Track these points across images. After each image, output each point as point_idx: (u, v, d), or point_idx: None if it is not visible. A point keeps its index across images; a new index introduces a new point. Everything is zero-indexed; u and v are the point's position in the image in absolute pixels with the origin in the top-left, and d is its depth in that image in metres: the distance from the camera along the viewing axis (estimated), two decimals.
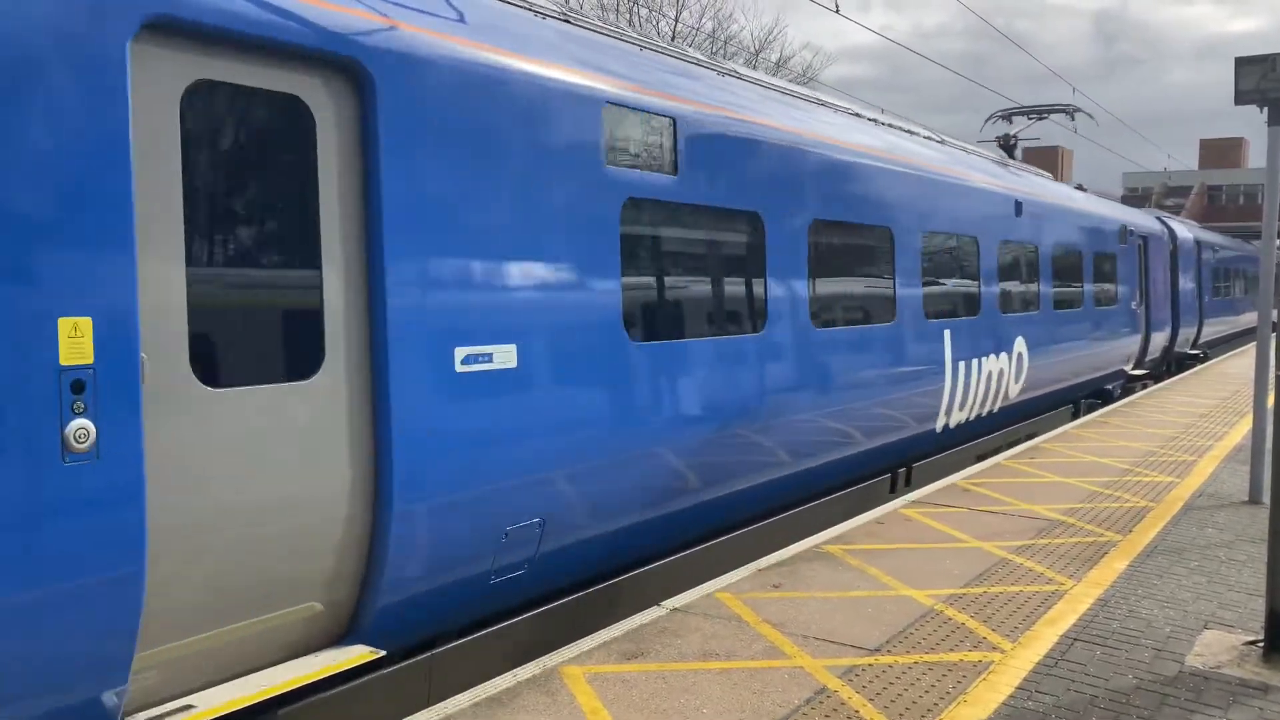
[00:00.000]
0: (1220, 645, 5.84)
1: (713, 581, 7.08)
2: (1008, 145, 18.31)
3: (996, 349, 12.59)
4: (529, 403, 5.83)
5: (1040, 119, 18.78)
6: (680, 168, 7.14)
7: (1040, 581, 7.03)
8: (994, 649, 5.77)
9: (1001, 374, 12.79)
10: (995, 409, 12.92)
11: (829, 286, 9.05)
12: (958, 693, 5.17)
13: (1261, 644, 5.74)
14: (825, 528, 9.07)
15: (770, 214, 8.14)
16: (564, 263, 6.12)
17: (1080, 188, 20.26)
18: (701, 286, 7.50)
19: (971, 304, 12.05)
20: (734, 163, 7.74)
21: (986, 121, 18.69)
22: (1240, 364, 24.89)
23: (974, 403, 12.08)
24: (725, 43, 37.47)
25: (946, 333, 11.25)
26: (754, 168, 7.98)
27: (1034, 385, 14.15)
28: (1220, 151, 78.28)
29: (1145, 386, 21.10)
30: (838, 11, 13.62)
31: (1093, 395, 18.21)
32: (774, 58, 39.12)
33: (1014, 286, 13.44)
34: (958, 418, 11.73)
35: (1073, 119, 18.76)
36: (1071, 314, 15.78)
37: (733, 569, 7.92)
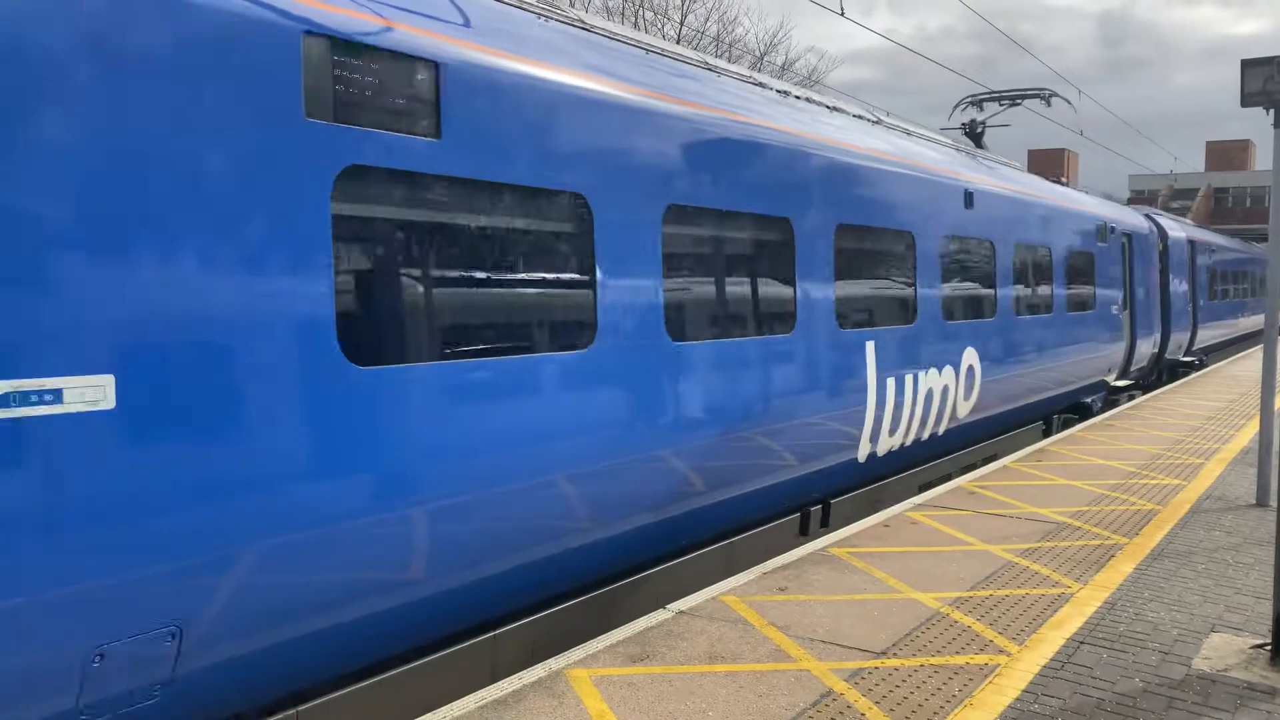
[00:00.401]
0: (1227, 648, 5.82)
1: (718, 584, 7.08)
2: (974, 133, 16.78)
3: (938, 362, 10.88)
4: (137, 463, 4.05)
5: (1014, 105, 17.02)
6: (446, 129, 5.37)
7: (1047, 585, 7.02)
8: (1000, 652, 5.76)
9: (946, 391, 11.11)
10: (940, 431, 11.23)
11: (701, 290, 7.38)
12: (964, 696, 5.17)
13: (1269, 647, 5.72)
14: (707, 584, 7.70)
15: (600, 197, 6.38)
16: (216, 252, 4.33)
17: (1060, 181, 18.75)
18: (486, 290, 5.72)
19: (904, 310, 10.30)
20: (545, 129, 6.01)
21: (956, 108, 17.01)
22: (1247, 366, 24.82)
23: (910, 425, 10.43)
24: (730, 46, 37.50)
25: (869, 345, 9.46)
26: (576, 135, 6.22)
27: (990, 403, 12.48)
28: (1227, 154, 78.09)
29: (1132, 398, 19.91)
30: (842, 14, 13.63)
31: (1069, 410, 16.65)
32: (779, 61, 39.13)
33: (962, 289, 11.71)
34: (888, 444, 10.04)
35: (1048, 104, 16.95)
36: (1038, 320, 14.05)
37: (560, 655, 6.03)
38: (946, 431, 11.39)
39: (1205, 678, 5.41)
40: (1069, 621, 6.27)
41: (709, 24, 38.55)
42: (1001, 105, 16.90)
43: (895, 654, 5.73)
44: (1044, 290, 14.35)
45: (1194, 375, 22.75)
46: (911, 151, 11.00)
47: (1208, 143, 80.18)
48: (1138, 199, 49.31)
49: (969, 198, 11.72)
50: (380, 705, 5.40)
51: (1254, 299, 37.73)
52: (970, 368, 11.70)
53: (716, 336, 7.43)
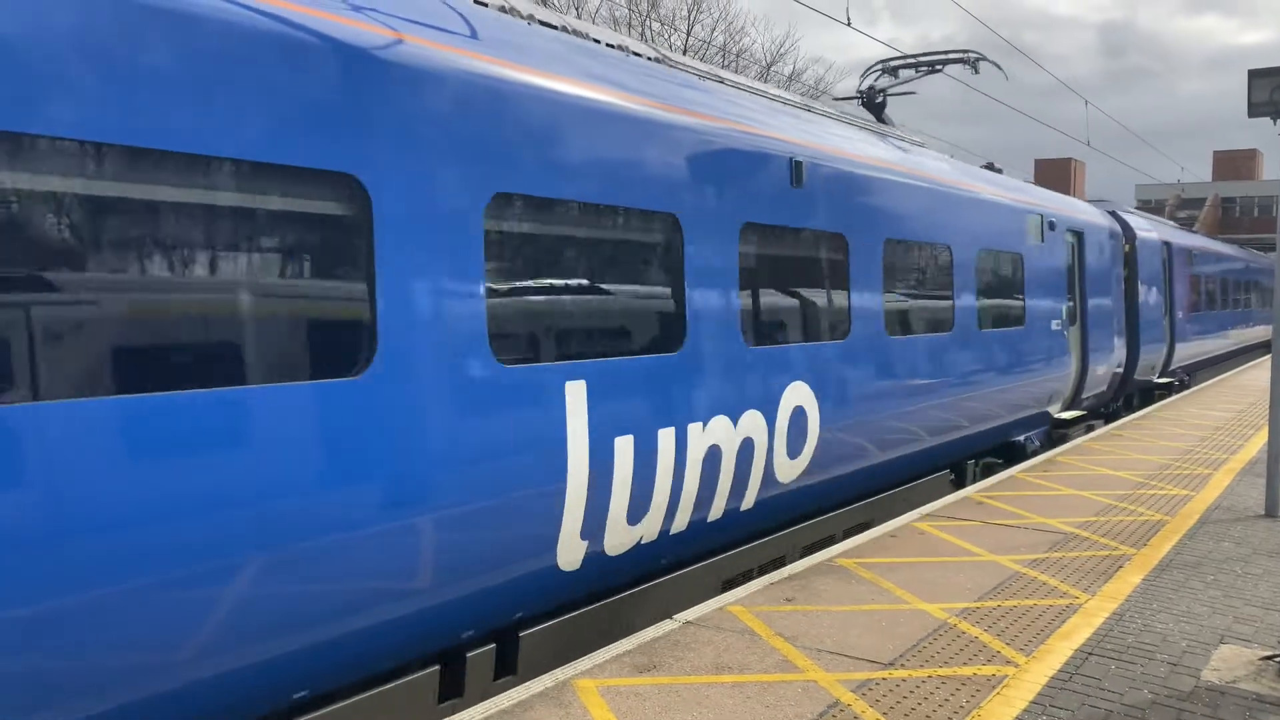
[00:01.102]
0: (1237, 660, 5.80)
1: (725, 595, 7.07)
2: (874, 103, 13.43)
3: (732, 407, 7.48)
4: None
5: (933, 71, 13.84)
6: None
7: (1055, 595, 7.00)
8: (1008, 663, 5.75)
9: (751, 448, 7.70)
10: (746, 505, 7.85)
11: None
12: (972, 707, 5.15)
13: (1278, 659, 5.70)
14: None
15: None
16: None
17: (991, 166, 15.58)
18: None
19: (657, 333, 6.97)
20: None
21: (865, 75, 13.94)
22: (1256, 376, 24.75)
23: (676, 504, 7.04)
24: (737, 56, 37.59)
25: (572, 390, 6.07)
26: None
27: (837, 457, 8.90)
28: (1234, 163, 78.01)
29: (1091, 428, 16.47)
30: (849, 24, 13.67)
31: (993, 452, 13.17)
32: (787, 71, 39.21)
33: (782, 301, 8.43)
34: (626, 536, 6.67)
35: (976, 71, 13.88)
36: (926, 342, 10.40)
37: None
38: (760, 504, 7.99)
39: (1214, 689, 5.39)
40: (1077, 632, 6.25)
41: (715, 34, 38.63)
42: (919, 72, 13.95)
43: (903, 665, 5.72)
44: (939, 301, 10.85)
45: (1174, 398, 20.12)
46: (686, 95, 7.48)
47: (1215, 152, 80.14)
48: (1145, 208, 49.13)
49: (796, 171, 8.31)
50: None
51: (1254, 310, 34.38)
52: (799, 410, 8.23)
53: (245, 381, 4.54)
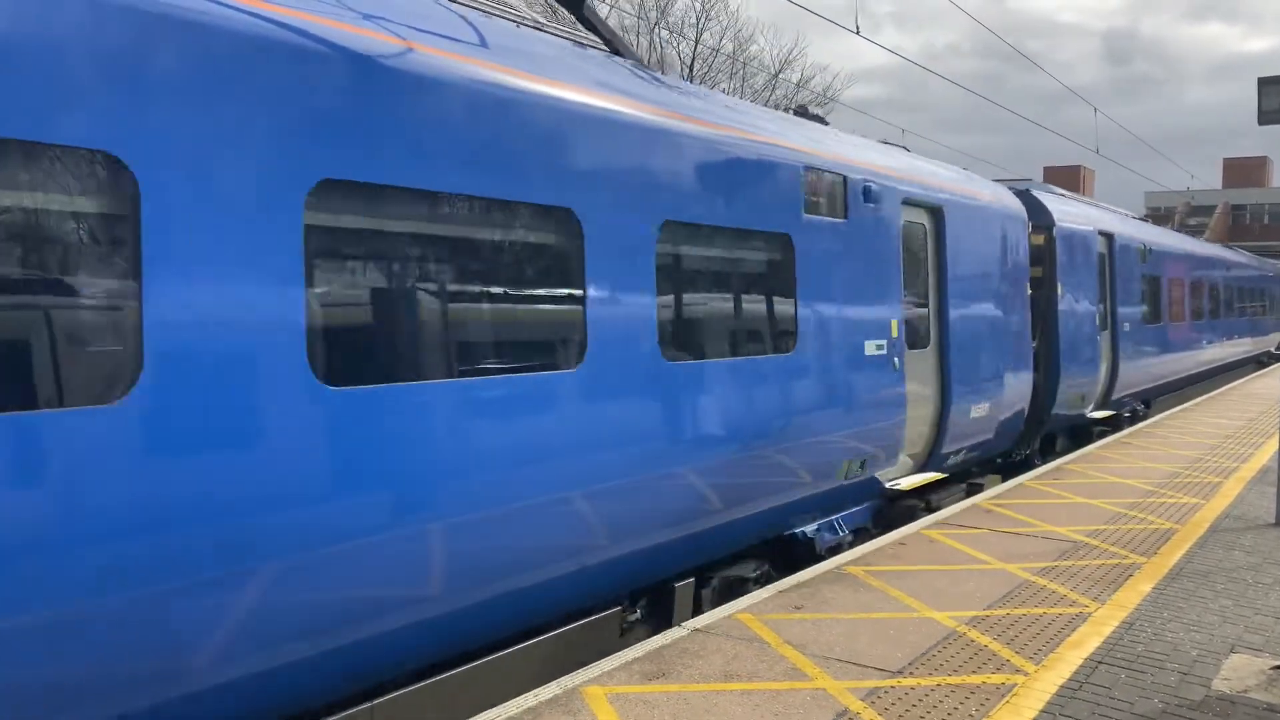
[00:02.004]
0: (1247, 669, 5.78)
1: (734, 602, 7.07)
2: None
3: None
4: None
5: None
6: None
7: (1064, 604, 6.98)
8: (1017, 671, 5.74)
9: None
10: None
11: None
12: (981, 716, 5.14)
13: None
14: None
15: None
16: None
17: (807, 113, 11.03)
18: None
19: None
20: None
21: None
22: (1267, 384, 24.64)
23: None
24: (745, 64, 37.63)
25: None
26: None
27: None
28: (1244, 171, 77.82)
29: (973, 491, 11.81)
30: (858, 32, 13.69)
31: (760, 553, 8.53)
32: (795, 78, 39.23)
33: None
34: None
35: None
36: (519, 389, 5.89)
37: None
38: None
39: (1225, 699, 5.37)
40: (1087, 641, 6.23)
41: (724, 41, 38.67)
42: None
43: (912, 673, 5.71)
44: (535, 312, 6.07)
45: (1124, 433, 15.79)
46: None
47: (1225, 159, 80.00)
48: (1154, 215, 48.90)
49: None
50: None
51: (1242, 320, 29.32)
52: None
53: None
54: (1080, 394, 15.09)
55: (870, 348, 9.21)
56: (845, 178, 8.98)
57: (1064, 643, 6.20)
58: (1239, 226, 71.17)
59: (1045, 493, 10.91)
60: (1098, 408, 16.42)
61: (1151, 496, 10.65)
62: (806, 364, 8.31)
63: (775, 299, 8.08)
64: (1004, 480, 12.12)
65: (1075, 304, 14.78)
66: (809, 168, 8.48)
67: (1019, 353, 12.42)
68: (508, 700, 5.55)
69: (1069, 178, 63.77)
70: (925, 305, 10.54)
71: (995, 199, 12.18)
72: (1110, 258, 16.78)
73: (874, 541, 8.83)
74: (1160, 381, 20.07)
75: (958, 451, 11.19)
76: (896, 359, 9.62)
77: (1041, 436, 14.42)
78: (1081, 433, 15.91)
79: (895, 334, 9.63)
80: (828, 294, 8.65)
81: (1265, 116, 9.14)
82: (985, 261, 11.64)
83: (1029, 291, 12.86)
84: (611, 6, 33.63)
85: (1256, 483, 11.42)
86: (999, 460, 13.37)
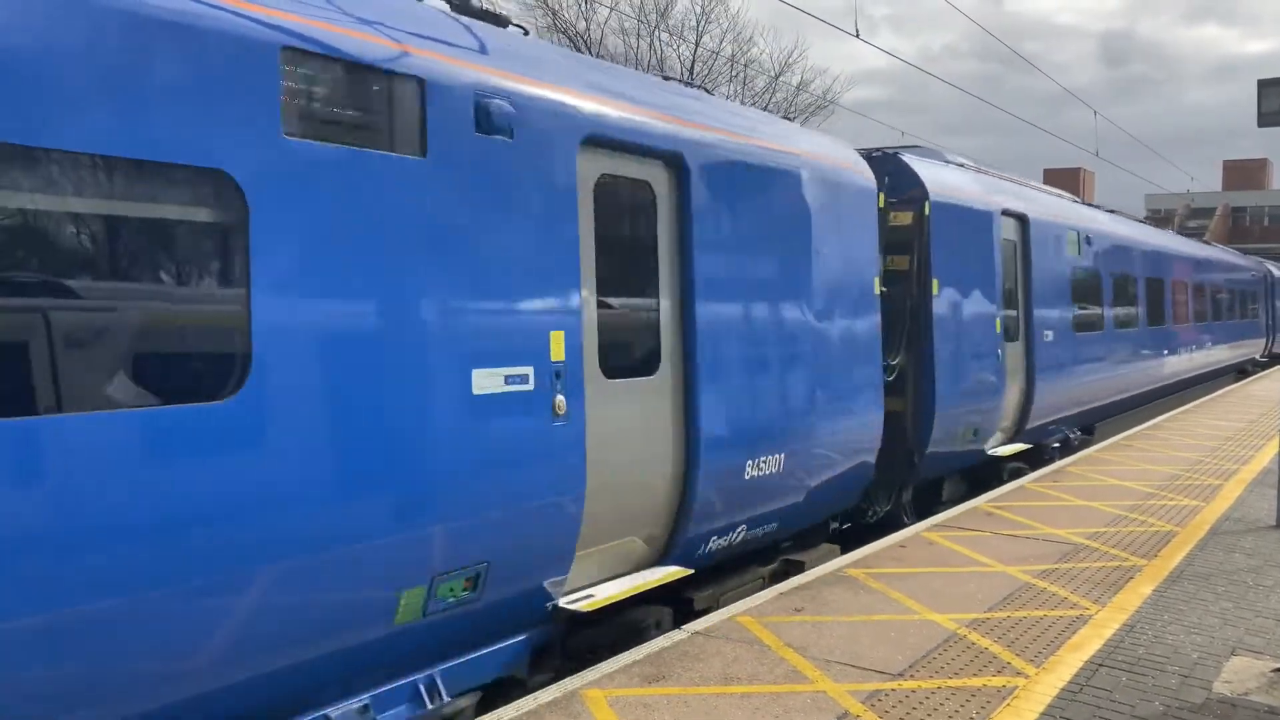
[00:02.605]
0: (1248, 672, 5.77)
1: (734, 605, 7.07)
2: None
3: None
4: None
5: None
6: None
7: (1065, 606, 6.98)
8: (1018, 674, 5.73)
9: None
10: None
11: None
12: (981, 718, 5.14)
13: None
14: None
15: None
16: None
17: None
18: None
19: None
20: None
21: None
22: (1267, 387, 24.63)
23: None
24: (745, 66, 37.64)
25: None
26: None
27: None
28: (1244, 173, 77.91)
29: (775, 581, 8.18)
30: (857, 35, 13.70)
31: None
32: (795, 81, 39.25)
33: None
34: None
35: None
36: None
37: None
38: None
39: (1226, 701, 5.36)
40: (1087, 644, 6.23)
41: (724, 44, 38.68)
42: None
43: (913, 675, 5.71)
44: None
45: (1066, 462, 13.32)
46: None
47: (1225, 162, 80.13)
48: (1154, 218, 48.82)
49: None
50: None
51: (1219, 324, 25.44)
52: None
53: None
54: (972, 425, 11.37)
55: (486, 380, 5.40)
56: (423, 82, 5.14)
57: (1064, 645, 6.19)
58: (1239, 229, 71.22)
59: (1045, 495, 10.91)
60: (1009, 439, 12.79)
61: (1152, 499, 10.65)
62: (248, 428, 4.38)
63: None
64: (843, 552, 8.92)
65: (961, 305, 11.13)
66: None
67: (854, 374, 8.79)
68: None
69: (1069, 180, 63.79)
70: (655, 309, 6.74)
71: (811, 154, 8.40)
72: (1024, 247, 13.04)
73: (874, 544, 8.82)
74: (1103, 402, 16.20)
75: (723, 533, 7.34)
76: (560, 400, 5.73)
77: (915, 485, 10.93)
78: (984, 475, 12.32)
79: (559, 355, 5.77)
80: (305, 287, 4.59)
81: (1265, 119, 9.13)
82: (775, 243, 7.75)
83: (878, 289, 9.32)
84: (611, 9, 33.69)
85: (1257, 485, 11.41)
86: (840, 525, 9.92)
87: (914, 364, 10.55)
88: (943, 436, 10.74)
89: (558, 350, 5.75)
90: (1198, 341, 22.90)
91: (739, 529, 7.56)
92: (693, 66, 36.70)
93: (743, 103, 36.92)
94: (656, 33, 36.03)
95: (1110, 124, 30.29)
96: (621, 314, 6.54)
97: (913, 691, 5.48)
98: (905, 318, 10.50)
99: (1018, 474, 12.72)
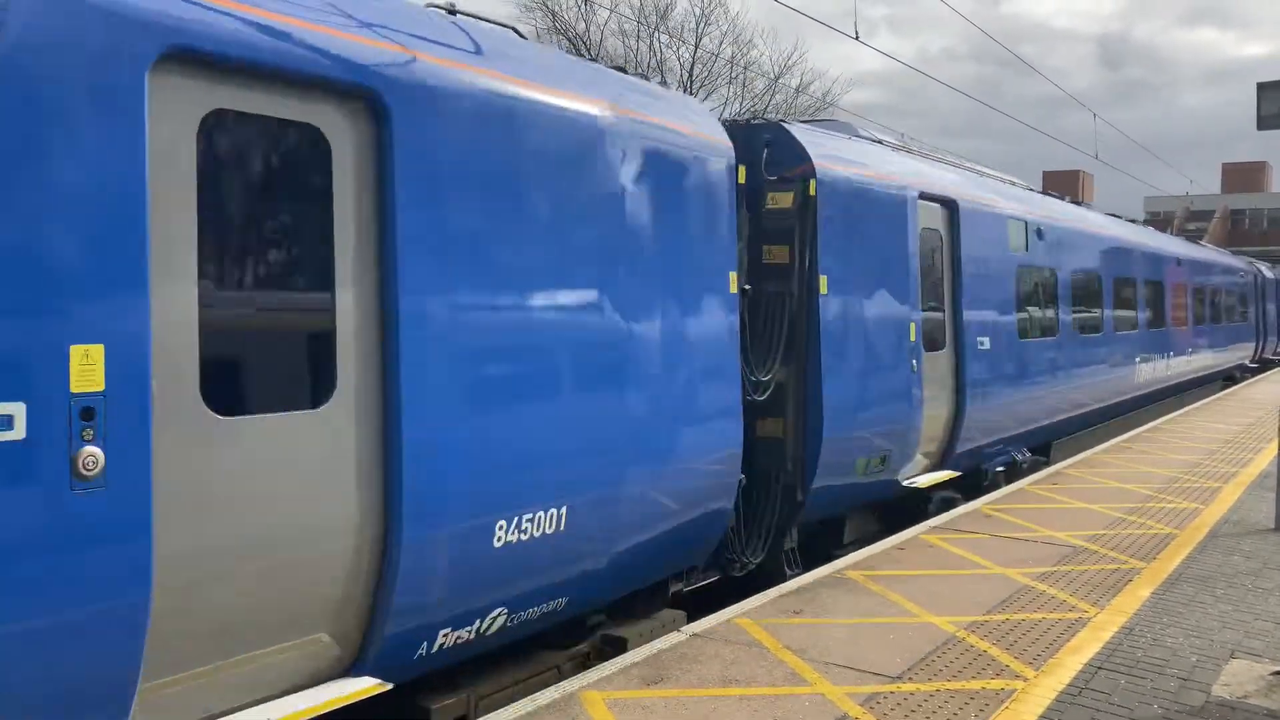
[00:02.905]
0: (1247, 675, 5.76)
1: (733, 607, 7.06)
2: None
3: None
4: None
5: None
6: None
7: (1063, 609, 6.97)
8: (1017, 677, 5.72)
9: None
10: None
11: None
12: None
13: None
14: None
15: None
16: None
17: None
18: None
19: None
20: None
21: None
22: (1266, 390, 24.64)
23: None
24: (745, 69, 37.66)
25: None
26: None
27: None
28: (1244, 176, 77.91)
29: (564, 676, 6.36)
30: (857, 38, 13.71)
31: None
32: (794, 83, 39.26)
33: None
34: None
35: None
36: None
37: None
38: None
39: (1225, 705, 5.36)
40: (1086, 646, 6.22)
41: (724, 46, 38.69)
42: None
43: (911, 678, 5.70)
44: None
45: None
46: None
47: (1224, 164, 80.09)
48: (1154, 220, 48.76)
49: None
50: None
51: (1201, 329, 23.38)
52: None
53: None
54: (878, 451, 9.34)
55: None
56: None
57: (1063, 648, 6.19)
58: (1238, 232, 71.23)
59: (1044, 498, 10.90)
60: (935, 465, 10.73)
61: (1151, 501, 10.64)
62: None
63: None
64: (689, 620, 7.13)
65: (862, 307, 9.17)
66: None
67: (696, 393, 6.88)
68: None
69: (1068, 182, 63.85)
70: (326, 309, 4.76)
71: (620, 109, 6.44)
72: (952, 238, 11.01)
73: (873, 546, 8.81)
74: (1058, 419, 14.11)
75: (461, 622, 5.38)
76: (89, 453, 3.78)
77: (802, 525, 8.86)
78: (902, 510, 10.36)
79: (89, 382, 3.84)
80: None
81: (1264, 121, 9.13)
82: (553, 222, 5.87)
83: (735, 287, 7.35)
84: (611, 11, 33.72)
85: (1256, 487, 11.41)
86: (680, 589, 7.60)
87: (795, 378, 8.51)
88: (835, 466, 8.74)
89: (86, 375, 3.77)
90: (1176, 347, 20.85)
91: (492, 615, 5.53)
92: (692, 68, 36.74)
93: (742, 106, 37.05)
94: (656, 35, 36.07)
95: (1109, 127, 30.33)
96: (255, 317, 4.55)
97: (911, 694, 5.48)
98: (784, 322, 8.44)
99: (950, 504, 10.84)
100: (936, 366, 10.49)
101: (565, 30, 35.13)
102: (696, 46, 37.40)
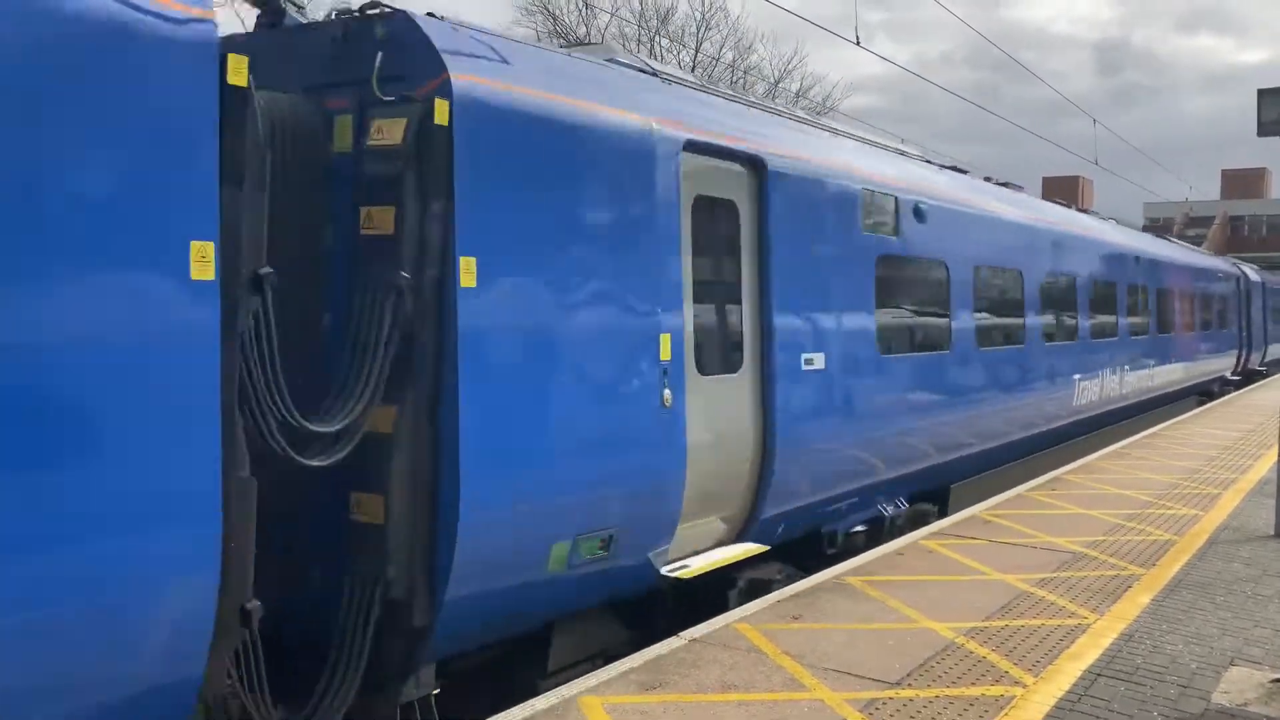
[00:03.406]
0: (1247, 682, 5.75)
1: (732, 612, 7.05)
2: None
3: None
4: None
5: None
6: None
7: (1063, 615, 6.96)
8: (1016, 683, 5.71)
9: None
10: None
11: None
12: None
13: None
14: None
15: None
16: None
17: None
18: None
19: None
20: None
21: None
22: (1266, 396, 24.63)
23: None
24: (745, 73, 37.69)
25: None
26: None
27: None
28: (1243, 181, 77.95)
29: None
30: (858, 43, 13.72)
31: None
32: (794, 88, 39.31)
33: None
34: None
35: None
36: None
37: None
38: None
39: (1224, 712, 5.34)
40: (1086, 653, 6.21)
41: (724, 50, 38.72)
42: None
43: (910, 684, 5.69)
44: None
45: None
46: None
47: (1223, 170, 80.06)
48: (1153, 226, 48.71)
49: None
50: None
51: (1166, 339, 20.31)
52: None
53: None
54: (596, 531, 6.31)
55: None
56: None
57: (1063, 654, 6.18)
58: (1238, 237, 71.27)
59: (1044, 503, 10.89)
60: (737, 534, 7.84)
61: (1150, 508, 10.63)
62: None
63: None
64: None
65: (550, 307, 6.06)
66: None
67: (85, 474, 3.73)
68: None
69: (1068, 188, 63.90)
70: None
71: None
72: (758, 211, 7.89)
73: (872, 552, 8.80)
74: (955, 455, 11.14)
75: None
76: None
77: (436, 662, 5.78)
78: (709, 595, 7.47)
79: None
80: None
81: (1264, 128, 9.15)
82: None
83: (212, 274, 4.11)
84: (612, 15, 33.73)
85: (1255, 494, 11.40)
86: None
87: (410, 423, 5.33)
88: (495, 560, 5.66)
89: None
90: (1132, 360, 17.83)
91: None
92: (693, 72, 36.75)
93: None
94: (657, 38, 36.10)
95: (1109, 132, 30.26)
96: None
97: (910, 700, 5.46)
98: (383, 332, 5.19)
99: (761, 589, 7.68)
100: (726, 395, 7.56)
101: (566, 34, 35.18)
102: (697, 50, 37.48)
